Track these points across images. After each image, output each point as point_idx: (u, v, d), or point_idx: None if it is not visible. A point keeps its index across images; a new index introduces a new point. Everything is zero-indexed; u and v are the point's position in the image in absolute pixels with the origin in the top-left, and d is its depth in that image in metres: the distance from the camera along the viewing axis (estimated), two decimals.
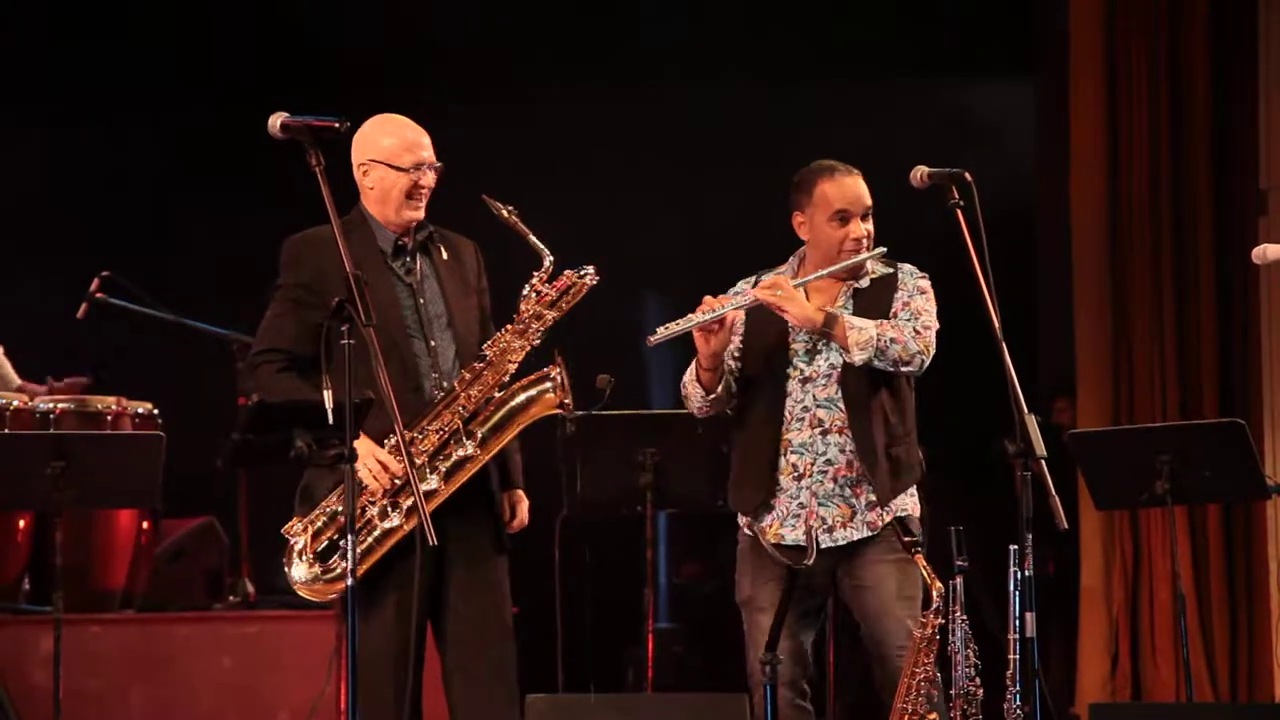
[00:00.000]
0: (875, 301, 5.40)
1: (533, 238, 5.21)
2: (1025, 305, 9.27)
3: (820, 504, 5.33)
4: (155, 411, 7.68)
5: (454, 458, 5.12)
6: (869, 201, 5.43)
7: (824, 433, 5.35)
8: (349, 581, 4.62)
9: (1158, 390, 8.91)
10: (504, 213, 5.20)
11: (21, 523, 7.41)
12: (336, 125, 4.71)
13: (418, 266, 5.28)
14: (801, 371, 5.39)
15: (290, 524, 5.23)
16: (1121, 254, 9.00)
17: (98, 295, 7.90)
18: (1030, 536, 4.73)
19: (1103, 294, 9.02)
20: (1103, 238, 9.04)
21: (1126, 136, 9.03)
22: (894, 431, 5.36)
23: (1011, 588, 4.76)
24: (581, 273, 5.25)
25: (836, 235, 5.41)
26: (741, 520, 5.48)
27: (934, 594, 4.94)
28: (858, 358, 5.26)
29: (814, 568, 5.22)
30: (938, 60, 9.91)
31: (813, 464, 5.35)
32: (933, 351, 5.31)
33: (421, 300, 5.24)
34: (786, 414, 5.38)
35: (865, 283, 5.45)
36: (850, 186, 5.43)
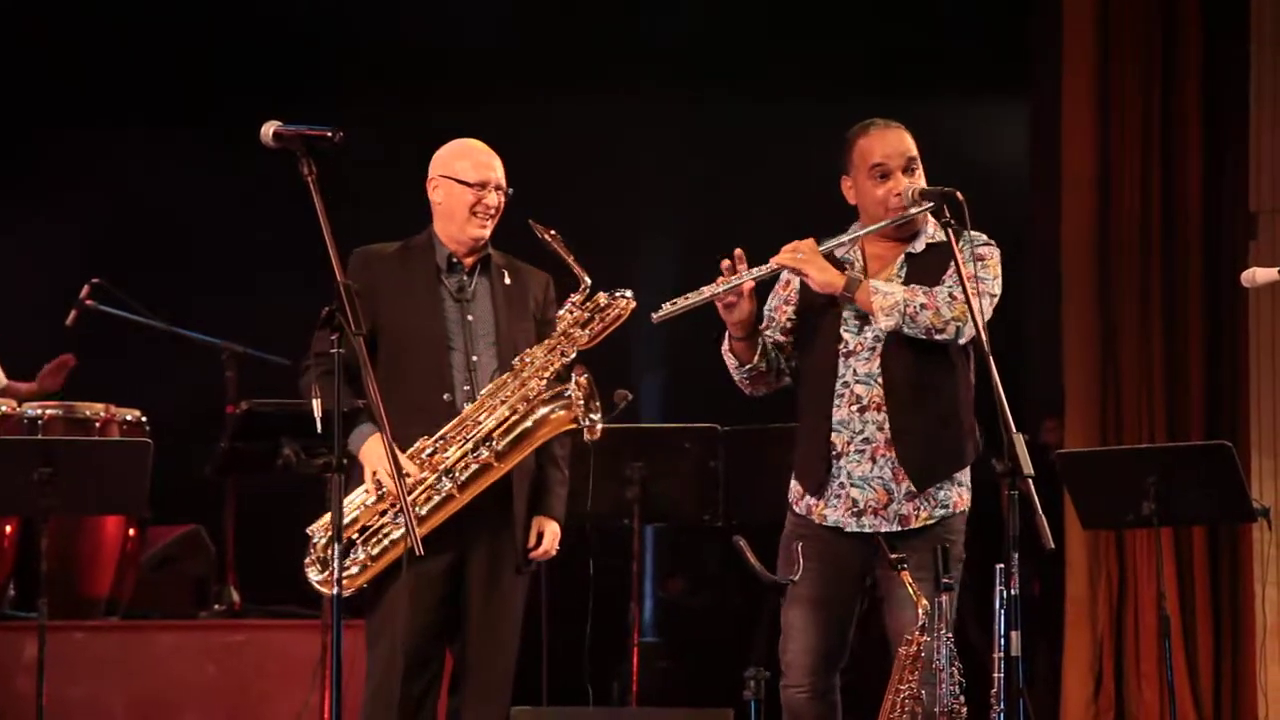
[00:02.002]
0: (929, 268, 5.21)
1: (572, 260, 5.38)
2: (1014, 324, 9.28)
3: (854, 485, 5.21)
4: (144, 419, 7.67)
5: (472, 467, 5.24)
6: (912, 153, 5.26)
7: (861, 410, 5.20)
8: (335, 591, 4.63)
9: (1145, 411, 8.92)
10: (546, 236, 5.37)
11: (7, 528, 7.40)
12: (330, 134, 4.72)
13: (473, 285, 5.44)
14: (846, 344, 5.24)
15: (316, 524, 5.29)
16: (1111, 275, 9.02)
17: (87, 302, 7.90)
18: (1016, 555, 4.72)
19: (1092, 314, 9.03)
20: (1093, 258, 9.05)
21: (1118, 159, 9.05)
22: (940, 412, 5.18)
23: (997, 606, 4.75)
24: (616, 295, 5.41)
25: (878, 192, 5.24)
26: (792, 500, 5.36)
27: (919, 611, 4.93)
28: (884, 323, 5.11)
29: (845, 559, 5.20)
30: (930, 79, 9.91)
31: (849, 443, 5.21)
32: (975, 320, 5.04)
33: (470, 317, 5.41)
34: (835, 389, 5.23)
35: (920, 247, 5.27)
36: (888, 138, 5.28)
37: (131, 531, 7.74)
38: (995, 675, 4.79)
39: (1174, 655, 7.18)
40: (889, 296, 5.12)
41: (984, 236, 5.23)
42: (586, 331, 5.40)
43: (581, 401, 5.28)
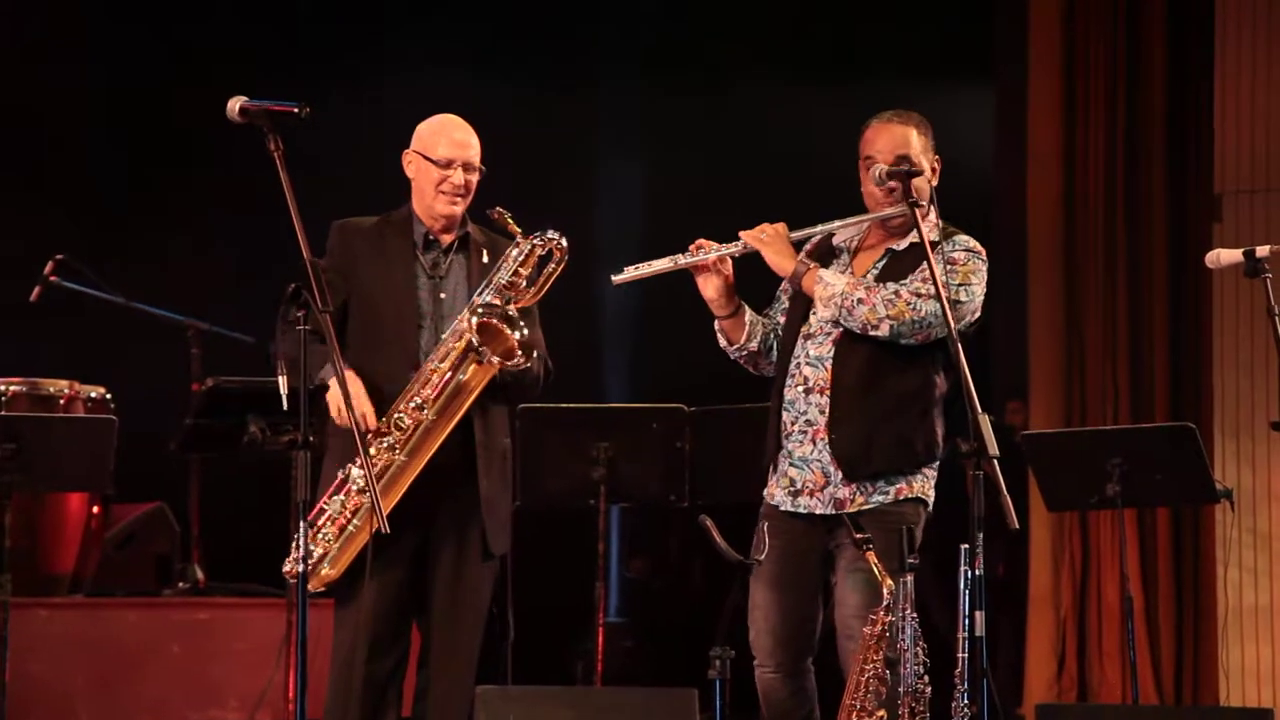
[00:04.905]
0: (902, 266, 5.24)
1: (510, 221, 5.30)
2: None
3: (793, 465, 5.25)
4: (108, 396, 7.64)
5: (417, 432, 5.20)
6: (904, 150, 5.22)
7: (807, 391, 5.24)
8: (300, 568, 4.62)
9: (1110, 393, 8.95)
10: (492, 215, 5.32)
11: None
12: (295, 110, 4.71)
13: (448, 262, 5.43)
14: (809, 326, 5.28)
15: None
16: (1076, 256, 9.05)
17: (51, 279, 7.87)
18: (981, 536, 4.73)
19: (1057, 296, 9.06)
20: (1058, 240, 9.08)
21: (1083, 140, 9.08)
22: (887, 405, 5.18)
23: (961, 587, 4.77)
24: (536, 238, 5.31)
25: (867, 183, 5.29)
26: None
27: (884, 591, 4.94)
28: (822, 313, 5.16)
29: (801, 540, 5.23)
30: (897, 60, 9.92)
31: (794, 423, 5.26)
32: (914, 319, 5.09)
33: (442, 295, 5.38)
34: (789, 369, 5.29)
35: (904, 246, 5.29)
36: (878, 131, 5.28)
37: (95, 509, 7.72)
38: (959, 655, 4.80)
39: (1137, 636, 7.21)
40: (830, 287, 5.18)
41: (968, 242, 5.24)
42: (524, 280, 5.30)
43: (480, 343, 5.19)
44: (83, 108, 9.53)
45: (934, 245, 5.14)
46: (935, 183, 5.29)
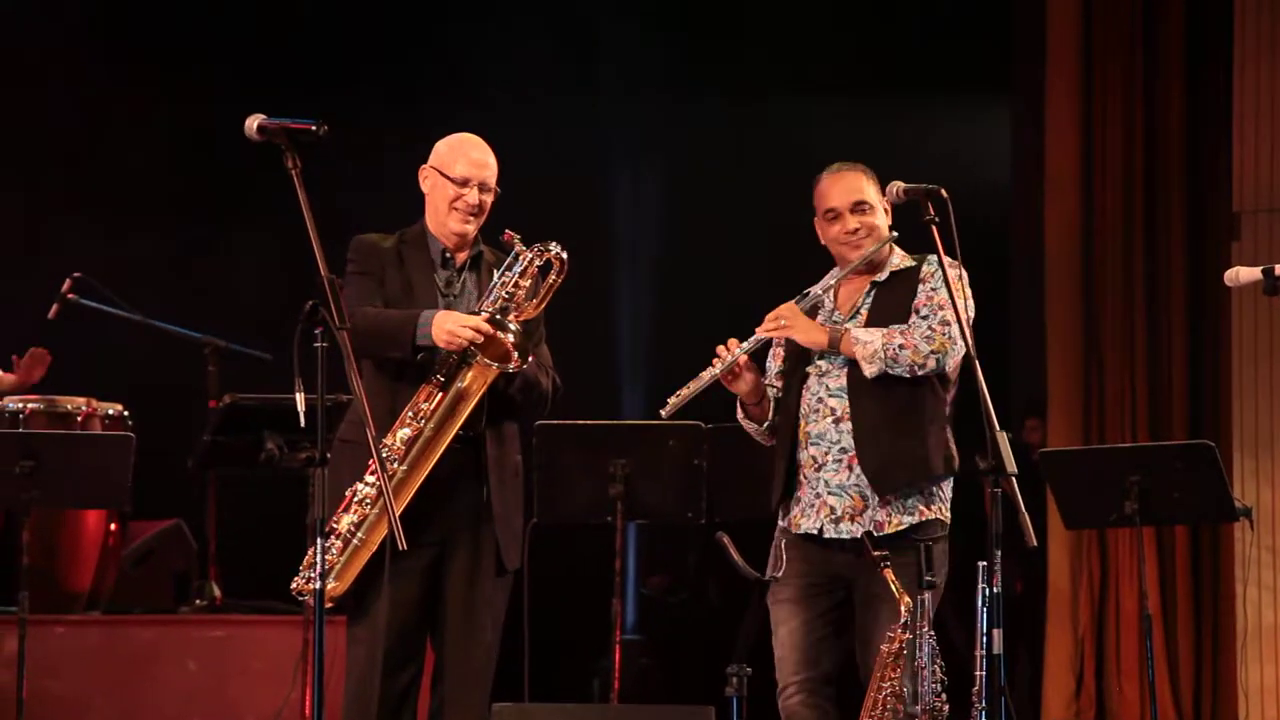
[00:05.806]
0: (896, 296, 5.37)
1: (519, 244, 5.29)
2: (998, 323, 9.29)
3: (832, 493, 5.30)
4: (125, 413, 7.65)
5: (417, 443, 5.18)
6: (857, 196, 5.39)
7: (836, 421, 5.32)
8: (316, 585, 4.62)
9: (1128, 411, 8.94)
10: (503, 239, 5.33)
11: None
12: (314, 128, 4.71)
13: (460, 281, 5.43)
14: (820, 367, 5.37)
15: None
16: (1094, 274, 9.04)
17: (69, 296, 7.88)
18: (999, 553, 4.74)
19: (1075, 314, 9.05)
20: (1076, 258, 9.07)
21: (1101, 159, 9.07)
22: (908, 422, 5.27)
23: (979, 604, 4.77)
24: (538, 247, 5.29)
25: (833, 234, 5.42)
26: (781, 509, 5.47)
27: (901, 609, 4.94)
28: (868, 371, 5.23)
29: (826, 561, 5.25)
30: (914, 79, 9.93)
31: (827, 453, 5.32)
32: (955, 345, 5.22)
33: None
34: (804, 407, 5.36)
35: (885, 276, 5.41)
36: (834, 183, 5.42)
37: (113, 526, 7.73)
38: (977, 673, 4.80)
39: (1155, 655, 7.19)
40: (869, 345, 5.25)
41: (948, 260, 5.28)
42: (524, 292, 5.29)
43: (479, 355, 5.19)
44: (98, 119, 9.55)
45: (911, 271, 5.35)
46: (890, 222, 5.44)
